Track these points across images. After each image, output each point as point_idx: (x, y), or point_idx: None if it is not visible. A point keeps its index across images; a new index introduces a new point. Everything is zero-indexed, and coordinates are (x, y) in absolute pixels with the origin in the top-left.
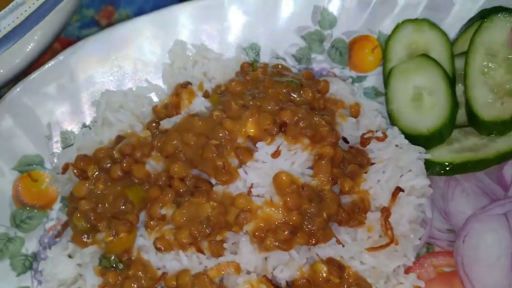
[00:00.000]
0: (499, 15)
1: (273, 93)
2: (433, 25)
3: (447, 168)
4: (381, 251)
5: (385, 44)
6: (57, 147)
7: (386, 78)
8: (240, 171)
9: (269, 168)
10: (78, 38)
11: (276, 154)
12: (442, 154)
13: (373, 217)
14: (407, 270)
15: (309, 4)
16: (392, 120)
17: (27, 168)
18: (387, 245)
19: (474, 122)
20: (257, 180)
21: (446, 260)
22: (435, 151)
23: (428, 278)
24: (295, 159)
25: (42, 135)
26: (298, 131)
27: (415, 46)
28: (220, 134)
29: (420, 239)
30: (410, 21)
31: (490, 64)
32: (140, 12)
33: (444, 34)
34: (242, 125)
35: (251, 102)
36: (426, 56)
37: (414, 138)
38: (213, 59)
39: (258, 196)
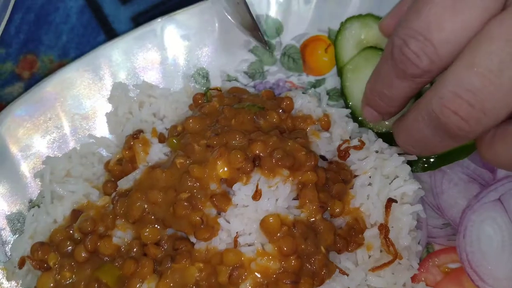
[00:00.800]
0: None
1: (236, 123)
2: (378, 19)
3: (432, 162)
4: (385, 268)
5: (334, 46)
6: (7, 235)
7: (341, 79)
8: (221, 220)
9: (252, 211)
10: (1, 99)
11: (257, 195)
12: None
13: (370, 234)
14: (413, 278)
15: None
16: (356, 116)
17: None
18: (391, 262)
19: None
20: (241, 228)
21: (449, 257)
22: None
23: (435, 281)
24: (278, 195)
25: None
26: (274, 162)
27: (365, 42)
28: (189, 184)
29: (419, 243)
30: (355, 18)
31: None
32: (64, 54)
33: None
34: (212, 168)
35: (215, 141)
36: (373, 48)
37: (380, 135)
38: (160, 96)
39: (247, 245)
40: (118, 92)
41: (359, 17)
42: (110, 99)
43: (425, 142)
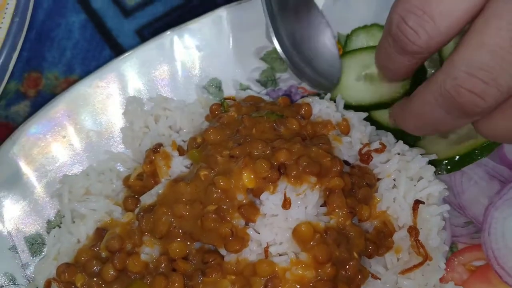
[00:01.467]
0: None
1: (257, 132)
2: (382, 27)
3: (454, 163)
4: (416, 270)
5: (341, 58)
6: (26, 257)
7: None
8: (250, 231)
9: (282, 220)
10: (7, 118)
11: (286, 204)
12: (443, 149)
13: (398, 237)
14: (441, 279)
15: (259, 23)
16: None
17: None
18: (421, 263)
19: None
20: (272, 237)
21: (473, 255)
22: (432, 149)
23: (462, 279)
24: (307, 203)
25: (4, 248)
26: (301, 170)
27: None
28: (216, 196)
29: (444, 242)
30: (360, 29)
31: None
32: (69, 70)
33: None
34: (237, 179)
35: (238, 151)
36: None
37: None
38: (175, 109)
39: (278, 255)
40: (133, 107)
41: (364, 28)
42: (125, 114)
43: (437, 123)
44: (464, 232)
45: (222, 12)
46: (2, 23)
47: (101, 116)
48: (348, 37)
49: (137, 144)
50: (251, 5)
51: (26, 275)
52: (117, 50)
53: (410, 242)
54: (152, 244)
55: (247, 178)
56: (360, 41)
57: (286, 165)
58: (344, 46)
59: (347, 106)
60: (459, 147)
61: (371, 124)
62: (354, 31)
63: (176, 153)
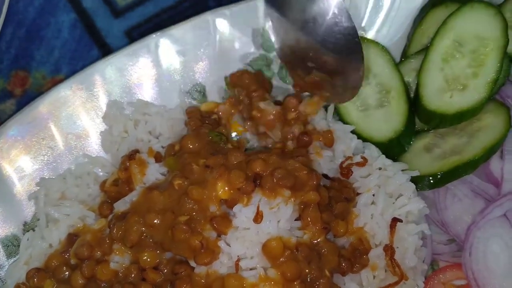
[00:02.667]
0: (480, 3)
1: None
2: (366, 40)
3: (437, 179)
4: None
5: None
6: (1, 259)
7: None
8: (221, 244)
9: (254, 234)
10: None
11: (258, 217)
12: (427, 164)
13: (375, 254)
14: None
15: (247, 29)
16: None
17: None
18: (397, 283)
19: (417, 106)
20: (243, 251)
21: (455, 274)
22: (416, 163)
23: None
24: (279, 216)
25: None
26: (275, 182)
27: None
28: (188, 206)
29: (424, 260)
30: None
31: (454, 53)
32: (56, 70)
33: (379, 45)
34: (211, 189)
35: (212, 161)
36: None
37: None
38: (155, 114)
39: (248, 269)
40: (113, 111)
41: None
42: (104, 118)
43: None
44: (446, 249)
45: (209, 16)
46: None
47: (80, 119)
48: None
49: (115, 148)
50: (240, 10)
51: (0, 277)
52: (105, 50)
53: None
54: (123, 252)
55: (221, 189)
56: None
57: (262, 176)
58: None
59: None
60: (443, 163)
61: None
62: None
63: (152, 160)
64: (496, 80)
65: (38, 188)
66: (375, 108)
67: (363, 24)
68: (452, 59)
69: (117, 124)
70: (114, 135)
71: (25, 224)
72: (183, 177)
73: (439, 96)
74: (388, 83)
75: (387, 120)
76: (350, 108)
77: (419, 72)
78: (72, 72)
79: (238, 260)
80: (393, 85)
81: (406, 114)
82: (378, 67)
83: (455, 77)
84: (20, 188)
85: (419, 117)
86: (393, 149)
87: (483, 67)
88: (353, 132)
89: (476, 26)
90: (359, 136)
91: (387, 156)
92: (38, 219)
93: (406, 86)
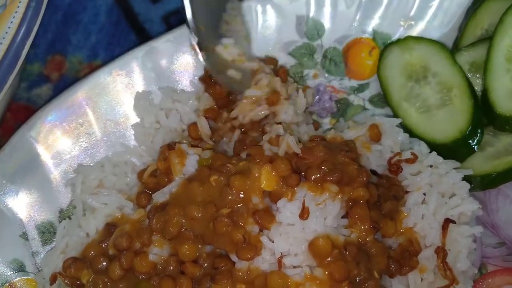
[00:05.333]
0: None
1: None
2: (418, 39)
3: (491, 180)
4: None
5: (378, 76)
6: (36, 245)
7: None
8: (264, 239)
9: (299, 231)
10: (28, 101)
11: (304, 213)
12: (479, 163)
13: (424, 256)
14: None
15: (291, 16)
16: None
17: (5, 279)
18: (447, 287)
19: (489, 114)
20: (287, 248)
21: (504, 279)
22: (469, 162)
23: None
24: (326, 213)
25: (15, 235)
26: (322, 176)
27: (410, 67)
28: (230, 198)
29: (473, 264)
30: (393, 44)
31: None
32: (93, 55)
33: (433, 42)
34: (254, 179)
35: (254, 150)
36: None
37: (433, 148)
38: (186, 100)
39: (292, 267)
40: (142, 102)
41: (397, 42)
42: (134, 110)
43: None
44: (495, 253)
45: (252, 2)
46: (18, 7)
47: (120, 106)
48: (381, 55)
49: (150, 141)
50: None
51: (35, 263)
52: (142, 36)
53: (436, 263)
54: (162, 244)
55: (265, 180)
56: (395, 57)
57: (308, 167)
58: (379, 66)
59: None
60: (497, 163)
61: (404, 132)
62: (386, 47)
63: (191, 151)
64: None
65: (76, 175)
66: (437, 109)
67: (411, 14)
68: None
69: (148, 115)
70: (146, 127)
71: (61, 211)
72: (219, 172)
73: (511, 99)
74: (449, 80)
75: (450, 120)
76: (409, 110)
77: (484, 76)
78: (109, 57)
79: (282, 257)
80: (455, 82)
81: (471, 111)
82: (437, 65)
83: None
84: (57, 174)
85: (493, 124)
86: (460, 150)
87: None
88: (399, 126)
89: None
90: (421, 140)
91: (455, 159)
92: (75, 207)
93: (468, 81)
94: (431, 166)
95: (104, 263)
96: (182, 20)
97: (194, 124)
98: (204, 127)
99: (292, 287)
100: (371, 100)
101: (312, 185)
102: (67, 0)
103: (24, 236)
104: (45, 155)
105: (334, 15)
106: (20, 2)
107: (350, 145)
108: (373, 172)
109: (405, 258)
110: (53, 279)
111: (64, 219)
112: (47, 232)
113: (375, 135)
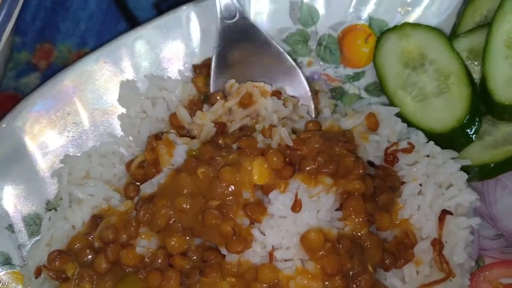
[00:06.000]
0: None
1: None
2: (415, 25)
3: (489, 170)
4: (436, 286)
5: (374, 64)
6: (23, 237)
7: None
8: (255, 232)
9: (291, 223)
10: (16, 90)
11: (296, 206)
12: (477, 153)
13: (420, 248)
14: None
15: (284, 2)
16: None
17: None
18: (443, 280)
19: (487, 102)
20: (278, 241)
21: (502, 271)
22: (467, 152)
23: None
24: (319, 206)
25: (1, 227)
26: (317, 167)
27: (407, 54)
28: (220, 190)
29: (470, 257)
30: (390, 31)
31: None
32: (82, 43)
33: (431, 28)
34: (245, 172)
35: (244, 143)
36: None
37: (431, 137)
38: (173, 88)
39: (283, 260)
40: (127, 91)
41: (394, 29)
42: (119, 100)
43: None
44: (493, 245)
45: None
46: None
47: (107, 94)
48: (377, 42)
49: (136, 131)
50: None
51: (22, 256)
52: (133, 23)
53: (432, 255)
54: (149, 236)
55: (257, 173)
56: (392, 44)
57: (302, 158)
58: (375, 53)
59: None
60: (495, 152)
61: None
62: (383, 34)
63: (180, 141)
64: None
65: (62, 165)
66: (434, 97)
67: (408, 0)
68: None
69: (133, 105)
70: (132, 117)
71: (47, 202)
72: (207, 164)
73: (510, 87)
74: (447, 68)
75: (448, 108)
76: (406, 99)
77: (483, 64)
78: (99, 45)
79: (273, 250)
80: (452, 69)
81: (469, 99)
82: (434, 53)
83: None
84: (44, 164)
85: (492, 113)
86: (458, 139)
87: None
88: (397, 115)
89: None
90: (417, 129)
91: (452, 149)
92: (61, 198)
93: (467, 68)
94: (428, 156)
95: (90, 256)
96: (173, 6)
97: (174, 113)
98: (183, 116)
99: (283, 281)
100: (366, 89)
101: (306, 177)
102: None
103: (10, 228)
104: (31, 145)
105: (329, 0)
106: None
107: (347, 135)
108: (370, 164)
109: (400, 250)
110: (38, 273)
111: (50, 211)
112: (33, 224)
113: (373, 124)
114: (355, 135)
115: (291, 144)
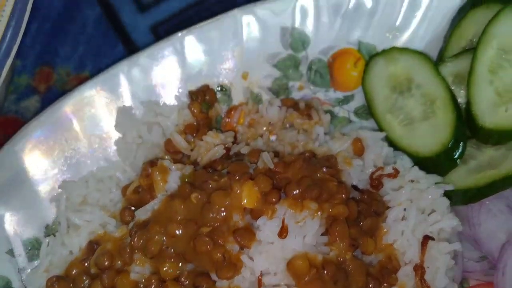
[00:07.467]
0: None
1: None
2: (402, 50)
3: (473, 194)
4: None
5: (362, 88)
6: (23, 262)
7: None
8: (244, 258)
9: (278, 249)
10: (17, 113)
11: (283, 232)
12: (462, 177)
13: (403, 273)
14: None
15: (275, 27)
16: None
17: None
18: None
19: (472, 126)
20: (266, 266)
21: None
22: (452, 176)
23: None
24: (306, 231)
25: (1, 251)
26: (301, 191)
27: (394, 79)
28: (211, 216)
29: (454, 280)
30: (378, 55)
31: (501, 62)
32: (80, 67)
33: (418, 53)
34: (235, 196)
35: (233, 167)
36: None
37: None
38: (169, 114)
39: (271, 286)
40: (123, 117)
41: (382, 53)
42: (116, 126)
43: None
44: (477, 267)
45: (236, 13)
46: None
47: (104, 120)
48: (366, 66)
49: (132, 156)
50: (269, 7)
51: (22, 279)
52: (130, 47)
53: (415, 280)
54: (143, 262)
55: (246, 197)
56: (380, 68)
57: (288, 182)
58: (364, 77)
59: None
60: (479, 176)
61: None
62: (372, 58)
63: (174, 167)
64: None
65: (60, 191)
66: (420, 121)
67: (397, 24)
68: (500, 69)
69: (129, 130)
70: (129, 143)
71: (47, 226)
72: (200, 189)
73: (494, 112)
74: (433, 92)
75: (433, 133)
76: (393, 123)
77: (468, 88)
78: (97, 69)
79: (261, 275)
80: (438, 94)
81: (454, 124)
82: (420, 77)
83: (506, 88)
84: (43, 190)
85: (477, 137)
86: (443, 164)
87: None
88: (383, 139)
89: None
90: (404, 153)
91: (438, 173)
92: (59, 223)
93: (452, 93)
94: (412, 181)
95: (86, 282)
96: (169, 30)
97: (169, 139)
98: (178, 142)
99: None
100: (356, 112)
101: (292, 202)
102: (56, 10)
103: (11, 252)
104: (31, 171)
105: (318, 26)
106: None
107: (330, 160)
108: (355, 188)
109: (384, 275)
110: None
111: (49, 236)
112: (33, 248)
113: (358, 149)
114: (339, 160)
115: (272, 167)
